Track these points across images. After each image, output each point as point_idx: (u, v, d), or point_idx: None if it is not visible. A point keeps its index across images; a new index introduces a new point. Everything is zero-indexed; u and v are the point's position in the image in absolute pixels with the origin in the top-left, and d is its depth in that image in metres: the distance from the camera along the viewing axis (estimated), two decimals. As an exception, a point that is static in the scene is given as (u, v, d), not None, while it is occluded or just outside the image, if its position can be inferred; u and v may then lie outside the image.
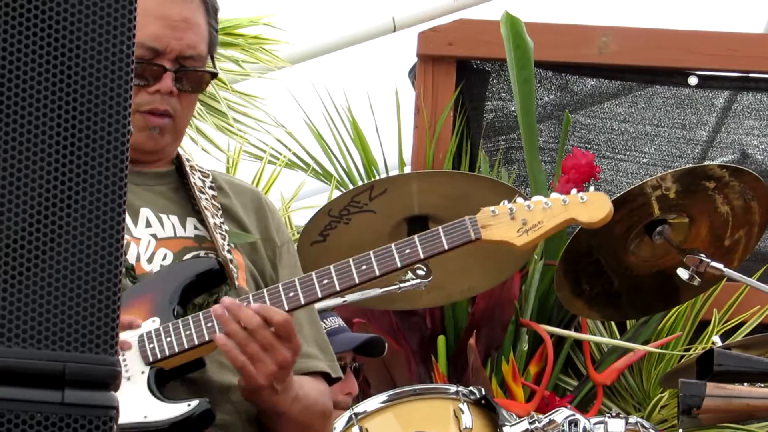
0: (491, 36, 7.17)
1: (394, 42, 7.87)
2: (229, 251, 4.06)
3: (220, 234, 4.07)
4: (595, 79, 7.68)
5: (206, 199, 4.13)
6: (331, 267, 3.98)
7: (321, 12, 7.85)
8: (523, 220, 3.92)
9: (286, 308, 3.83)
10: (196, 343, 3.82)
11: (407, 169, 7.11)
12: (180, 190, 4.15)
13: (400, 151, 7.15)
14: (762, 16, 8.67)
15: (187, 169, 4.10)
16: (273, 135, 6.53)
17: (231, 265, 4.04)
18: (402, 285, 5.07)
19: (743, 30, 8.59)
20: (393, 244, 4.11)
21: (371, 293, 5.07)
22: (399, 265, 3.98)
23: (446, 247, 4.01)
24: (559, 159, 7.01)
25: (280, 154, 6.61)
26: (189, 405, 3.81)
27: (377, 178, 6.84)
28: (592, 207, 4.01)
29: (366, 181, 6.78)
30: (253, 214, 4.23)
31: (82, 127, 2.00)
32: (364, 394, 5.59)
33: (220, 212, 4.11)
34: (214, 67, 4.18)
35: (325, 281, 3.98)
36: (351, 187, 6.87)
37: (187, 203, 4.10)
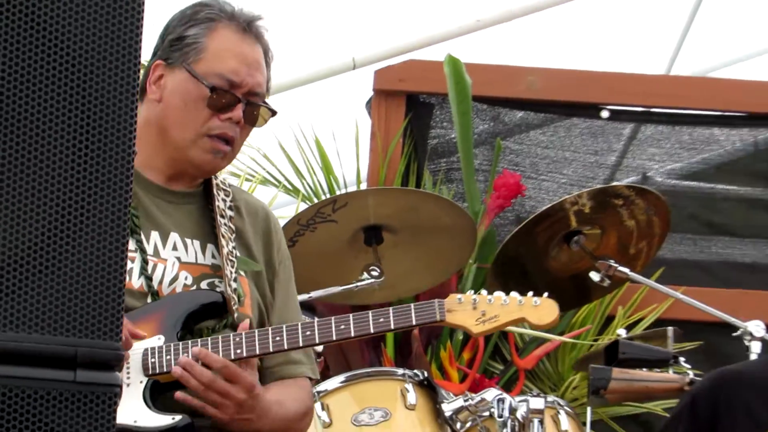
0: (436, 74, 7.08)
1: (354, 78, 7.73)
2: (235, 279, 4.03)
3: (231, 261, 4.08)
4: (522, 112, 7.67)
5: (225, 223, 4.13)
6: (315, 322, 4.04)
7: (293, 52, 7.67)
8: (482, 311, 3.93)
9: (258, 352, 3.91)
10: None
11: (364, 186, 7.00)
12: (205, 211, 4.15)
13: (358, 170, 7.08)
14: (664, 59, 8.69)
15: (214, 191, 4.10)
16: (250, 156, 6.53)
17: (235, 294, 4.00)
18: (358, 284, 5.22)
19: (647, 71, 8.56)
20: (370, 313, 4.11)
21: (333, 290, 5.19)
22: (372, 331, 4.03)
23: (414, 323, 4.06)
24: (491, 178, 7.00)
25: (256, 172, 6.71)
26: (173, 419, 3.84)
27: (339, 193, 6.82)
28: (542, 311, 4.06)
29: (329, 196, 6.73)
30: (261, 239, 4.23)
31: (94, 139, 2.07)
32: (324, 376, 5.45)
33: (234, 236, 4.14)
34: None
35: (308, 333, 3.96)
36: (316, 201, 6.76)
37: (210, 228, 4.11)
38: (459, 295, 4.00)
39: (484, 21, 7.81)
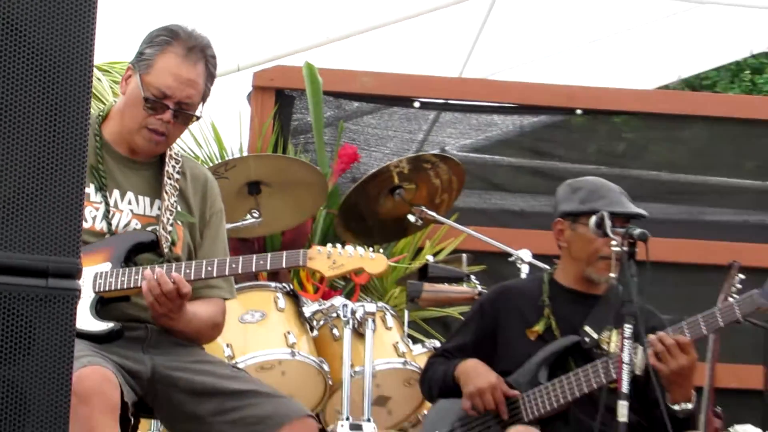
0: (297, 75, 6.78)
1: (238, 78, 7.44)
2: (171, 225, 4.02)
3: (170, 212, 4.03)
4: (358, 102, 7.45)
5: (171, 184, 4.07)
6: (215, 261, 4.07)
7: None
8: (333, 260, 3.93)
9: (193, 277, 3.86)
10: (126, 287, 3.83)
11: (246, 153, 6.91)
12: (158, 176, 4.08)
13: (241, 144, 6.84)
14: (458, 64, 8.68)
15: (167, 159, 4.07)
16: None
17: (169, 236, 4.00)
18: (243, 223, 5.26)
19: (446, 73, 8.40)
20: (254, 257, 4.12)
21: (227, 227, 4.96)
22: (253, 270, 4.09)
23: (284, 266, 4.13)
24: (336, 149, 6.89)
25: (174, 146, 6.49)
26: (108, 325, 3.80)
27: (228, 158, 6.70)
28: (376, 262, 4.01)
29: (221, 161, 6.53)
30: (199, 198, 4.16)
31: (59, 115, 2.15)
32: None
33: (177, 194, 4.06)
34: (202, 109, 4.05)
35: (209, 268, 3.99)
36: (211, 164, 6.72)
37: (159, 188, 4.05)
38: (319, 247, 3.96)
39: (331, 38, 7.76)
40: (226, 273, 3.82)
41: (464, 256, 5.54)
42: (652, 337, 3.88)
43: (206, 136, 6.75)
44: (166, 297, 3.60)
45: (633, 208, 4.23)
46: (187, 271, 3.74)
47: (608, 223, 3.95)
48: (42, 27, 2.22)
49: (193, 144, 6.74)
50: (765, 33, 9.11)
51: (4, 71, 2.17)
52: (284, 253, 3.94)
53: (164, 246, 3.79)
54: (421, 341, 5.39)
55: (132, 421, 3.64)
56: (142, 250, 3.83)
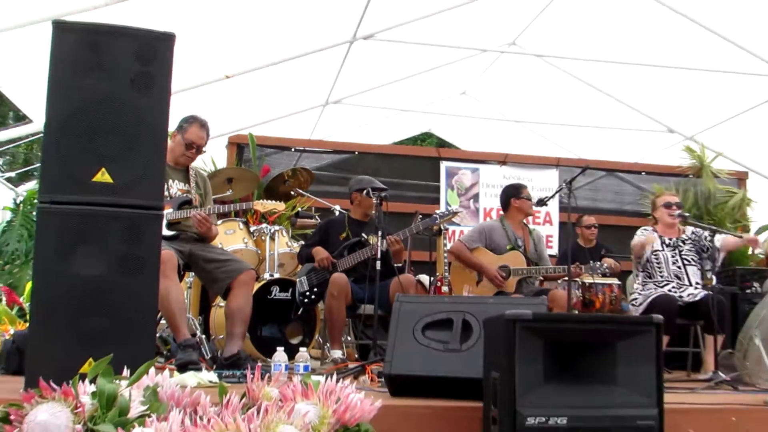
0: (246, 138, 8.19)
1: (221, 139, 8.10)
2: (191, 194, 4.88)
3: (193, 190, 4.90)
4: (268, 149, 8.48)
5: (192, 176, 4.97)
6: (222, 206, 5.09)
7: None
8: (262, 205, 5.16)
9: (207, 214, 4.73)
10: (178, 218, 4.73)
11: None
12: (186, 174, 4.95)
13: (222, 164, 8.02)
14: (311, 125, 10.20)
15: (190, 167, 4.97)
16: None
17: (195, 199, 4.88)
18: (223, 195, 6.29)
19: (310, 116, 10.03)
20: (230, 205, 5.27)
21: None
22: (227, 211, 5.24)
23: (243, 209, 5.11)
24: (261, 167, 7.95)
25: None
26: (172, 233, 4.64)
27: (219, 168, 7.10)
28: (276, 205, 5.18)
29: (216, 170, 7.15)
30: (203, 184, 5.05)
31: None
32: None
33: (194, 182, 4.96)
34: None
35: (220, 209, 4.96)
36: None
37: (186, 179, 4.92)
38: (257, 201, 5.22)
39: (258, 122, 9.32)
40: (218, 212, 4.95)
41: (313, 208, 7.28)
42: (390, 237, 5.31)
43: (206, 160, 7.86)
44: (203, 220, 4.70)
45: (380, 185, 5.62)
46: (206, 211, 4.74)
47: (371, 191, 5.54)
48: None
49: (202, 162, 7.44)
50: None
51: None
52: (243, 203, 5.45)
53: (194, 202, 4.80)
54: (296, 239, 6.79)
55: (182, 272, 4.72)
56: (184, 205, 4.76)
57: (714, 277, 5.83)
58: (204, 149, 4.91)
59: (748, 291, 7.22)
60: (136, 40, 3.02)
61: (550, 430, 2.50)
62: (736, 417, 3.25)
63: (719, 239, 5.69)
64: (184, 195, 4.85)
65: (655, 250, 5.91)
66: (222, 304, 5.36)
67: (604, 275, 6.11)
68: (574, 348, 2.66)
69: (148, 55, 2.99)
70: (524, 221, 6.47)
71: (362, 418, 2.07)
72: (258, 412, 1.88)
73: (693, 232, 5.96)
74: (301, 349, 4.29)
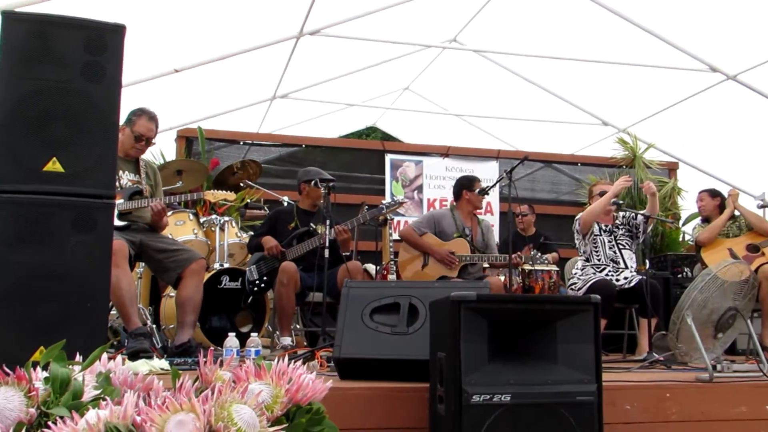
0: (195, 132, 8.30)
1: (171, 133, 8.20)
2: (141, 184, 4.87)
3: (143, 181, 4.90)
4: (217, 142, 8.50)
5: (142, 167, 4.94)
6: (172, 196, 4.90)
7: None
8: (213, 194, 5.18)
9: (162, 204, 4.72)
10: (129, 208, 4.69)
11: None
12: (136, 165, 4.93)
13: (172, 157, 7.83)
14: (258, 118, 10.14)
15: (140, 159, 4.93)
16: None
17: (144, 189, 4.88)
18: (173, 186, 6.17)
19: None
20: (180, 195, 5.18)
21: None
22: (178, 201, 4.97)
23: (193, 199, 5.12)
24: (210, 159, 7.98)
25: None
26: (123, 223, 4.60)
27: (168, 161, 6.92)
28: (224, 194, 5.20)
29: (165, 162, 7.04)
30: (153, 175, 5.02)
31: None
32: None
33: (145, 174, 4.94)
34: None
35: (169, 199, 4.90)
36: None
37: (137, 170, 4.90)
38: (207, 191, 5.29)
39: (207, 116, 9.20)
40: (168, 203, 4.88)
41: (262, 199, 7.35)
42: (338, 227, 5.34)
43: (156, 153, 7.97)
44: (162, 210, 4.71)
45: (327, 176, 5.64)
46: (159, 201, 4.72)
47: (319, 182, 5.54)
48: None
49: (151, 156, 7.52)
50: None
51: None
52: (194, 193, 5.45)
53: (144, 193, 4.82)
54: (245, 230, 6.73)
55: (133, 262, 4.68)
56: (135, 195, 4.77)
57: (648, 262, 5.99)
58: (153, 141, 4.86)
59: (680, 276, 7.40)
60: (87, 30, 2.96)
61: (495, 407, 2.53)
62: (670, 393, 3.36)
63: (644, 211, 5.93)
64: (135, 186, 4.80)
65: (594, 235, 6.01)
66: (172, 294, 5.33)
67: (536, 262, 6.26)
68: (516, 327, 2.70)
69: (98, 45, 2.94)
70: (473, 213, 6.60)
71: (314, 397, 2.06)
72: (213, 393, 1.85)
73: (623, 216, 6.10)
74: (252, 334, 4.28)
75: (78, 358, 2.20)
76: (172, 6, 6.80)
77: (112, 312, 4.95)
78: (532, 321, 2.73)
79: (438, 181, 9.09)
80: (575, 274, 6.10)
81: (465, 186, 6.49)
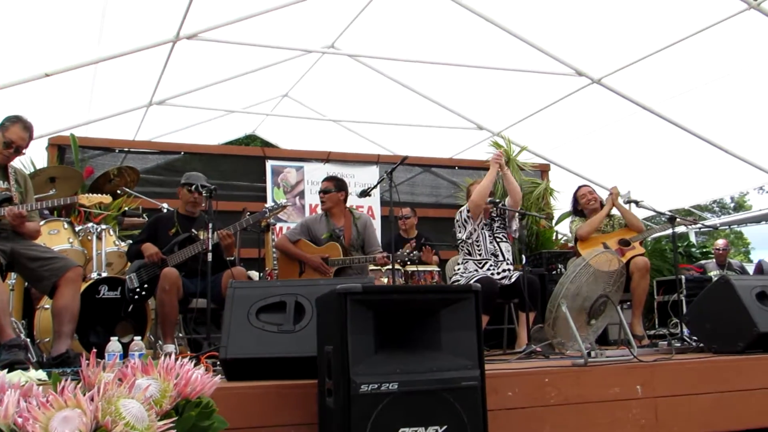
0: (67, 140, 7.77)
1: (42, 140, 7.58)
2: (10, 192, 4.69)
3: (13, 188, 4.71)
4: (91, 150, 8.17)
5: (11, 174, 4.78)
6: (43, 201, 4.84)
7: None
8: (88, 199, 4.98)
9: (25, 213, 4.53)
10: (3, 214, 4.52)
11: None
12: (5, 172, 4.77)
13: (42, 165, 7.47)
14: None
15: (8, 166, 4.80)
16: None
17: (14, 198, 4.68)
18: (46, 194, 5.94)
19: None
20: (53, 200, 5.06)
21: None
22: (50, 206, 4.86)
23: (66, 204, 4.89)
24: (84, 167, 7.54)
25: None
26: None
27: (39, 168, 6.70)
28: (98, 198, 5.02)
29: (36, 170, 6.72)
30: (23, 182, 4.88)
31: None
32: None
33: (14, 181, 4.78)
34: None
35: (39, 205, 4.77)
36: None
37: (5, 177, 4.75)
38: (81, 195, 4.89)
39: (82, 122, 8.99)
40: (38, 208, 4.76)
41: (141, 207, 7.20)
42: (221, 231, 5.21)
43: (26, 162, 7.55)
44: (17, 214, 4.48)
45: (205, 182, 5.56)
46: (22, 207, 4.54)
47: (199, 186, 5.50)
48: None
49: (21, 164, 7.04)
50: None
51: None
52: (68, 198, 5.06)
53: (13, 200, 4.65)
54: (124, 239, 6.54)
55: (4, 272, 4.60)
56: (3, 201, 4.63)
57: (524, 258, 6.21)
58: (24, 151, 4.74)
59: (554, 272, 7.62)
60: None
61: (383, 396, 2.57)
62: (548, 378, 3.52)
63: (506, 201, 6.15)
64: (4, 193, 4.67)
65: (474, 231, 6.08)
66: (47, 306, 5.17)
67: (412, 262, 6.25)
68: (402, 317, 2.74)
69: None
70: (350, 209, 6.58)
71: (203, 391, 2.06)
72: (98, 391, 1.81)
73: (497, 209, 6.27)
74: (136, 338, 4.17)
75: (-49, 370, 2.12)
76: (42, 7, 6.58)
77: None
78: (417, 310, 2.77)
79: (319, 187, 9.03)
80: (457, 270, 6.17)
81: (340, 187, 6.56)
